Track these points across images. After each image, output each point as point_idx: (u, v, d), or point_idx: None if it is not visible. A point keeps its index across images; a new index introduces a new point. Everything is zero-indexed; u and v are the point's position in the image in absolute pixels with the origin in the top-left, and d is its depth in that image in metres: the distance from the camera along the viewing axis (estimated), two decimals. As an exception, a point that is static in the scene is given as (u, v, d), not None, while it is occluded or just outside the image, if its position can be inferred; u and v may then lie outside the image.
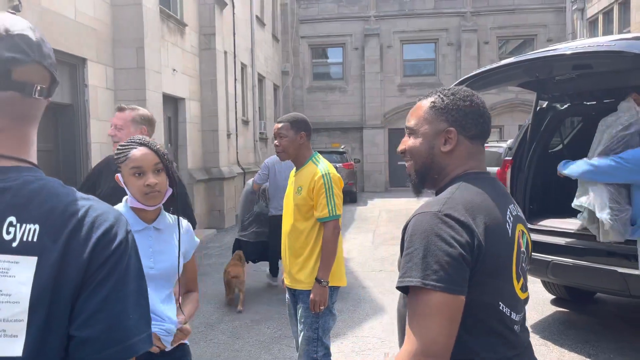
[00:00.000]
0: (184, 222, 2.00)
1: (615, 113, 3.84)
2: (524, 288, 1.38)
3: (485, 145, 1.49)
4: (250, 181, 6.41)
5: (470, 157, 1.40)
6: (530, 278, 2.48)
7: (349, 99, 21.04)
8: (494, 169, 5.72)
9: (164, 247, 1.91)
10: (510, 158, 4.97)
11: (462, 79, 4.57)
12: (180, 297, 2.08)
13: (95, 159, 6.56)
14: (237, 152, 13.18)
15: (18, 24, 0.90)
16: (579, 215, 4.04)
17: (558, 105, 5.08)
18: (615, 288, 4.09)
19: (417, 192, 1.51)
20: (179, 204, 1.97)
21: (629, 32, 13.09)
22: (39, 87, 0.92)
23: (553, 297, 5.47)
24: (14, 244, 0.83)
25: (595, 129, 4.72)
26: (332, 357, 3.00)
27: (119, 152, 1.87)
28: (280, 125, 3.02)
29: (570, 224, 4.34)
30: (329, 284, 2.90)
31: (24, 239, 0.83)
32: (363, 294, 6.04)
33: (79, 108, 6.79)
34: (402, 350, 1.21)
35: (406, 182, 1.55)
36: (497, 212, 1.31)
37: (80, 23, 6.66)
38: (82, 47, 6.67)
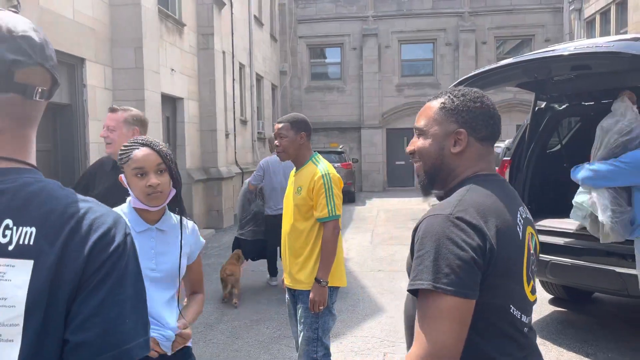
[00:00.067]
0: (190, 223, 1.99)
1: (612, 115, 3.80)
2: (533, 290, 1.38)
3: None
4: (247, 181, 6.50)
5: (479, 159, 1.39)
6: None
7: (347, 99, 21.05)
8: (492, 169, 5.73)
9: (167, 249, 1.89)
10: (509, 158, 4.99)
11: (461, 79, 4.58)
12: (185, 299, 2.07)
13: (94, 159, 6.56)
14: (235, 152, 13.18)
15: (21, 25, 0.89)
16: (572, 213, 4.02)
17: (556, 106, 5.10)
18: (614, 288, 4.10)
19: (426, 193, 1.50)
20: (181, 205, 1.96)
21: (626, 32, 13.13)
22: (40, 90, 0.91)
23: (551, 296, 5.49)
24: (10, 247, 0.82)
25: (594, 129, 4.73)
26: (331, 357, 3.01)
27: (122, 152, 1.86)
28: (280, 125, 3.02)
29: (569, 224, 4.36)
30: (329, 284, 2.91)
31: (20, 242, 0.82)
32: (362, 293, 6.05)
33: (78, 108, 6.78)
34: (411, 353, 1.20)
35: (416, 183, 1.54)
36: (508, 214, 1.31)
37: (79, 23, 6.65)
38: (81, 47, 6.66)
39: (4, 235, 0.83)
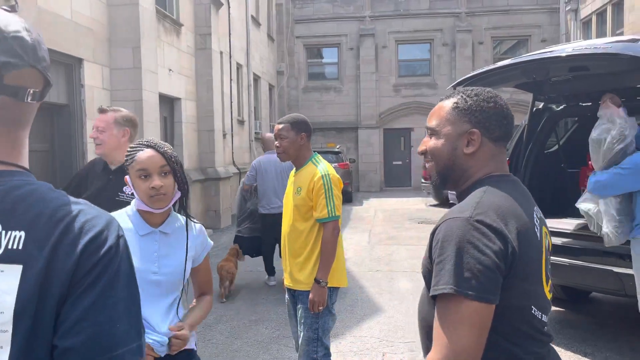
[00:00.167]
0: (197, 225, 1.97)
1: (599, 125, 3.74)
2: (551, 289, 1.38)
3: None
4: (242, 180, 6.67)
5: (492, 159, 1.38)
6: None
7: (344, 99, 21.06)
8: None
9: (171, 252, 1.88)
10: (507, 158, 5.01)
11: (460, 80, 4.60)
12: (194, 300, 2.06)
13: (92, 159, 6.55)
14: (232, 152, 13.18)
15: (13, 25, 0.86)
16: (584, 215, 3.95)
17: (554, 107, 5.12)
18: (611, 287, 4.13)
19: (438, 193, 1.50)
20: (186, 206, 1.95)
21: (622, 33, 13.19)
22: (31, 91, 0.88)
23: (549, 296, 5.51)
24: None
25: (591, 129, 4.74)
26: (331, 357, 3.01)
27: (127, 154, 1.85)
28: (280, 126, 3.02)
29: (567, 224, 4.38)
30: (329, 285, 2.92)
31: (9, 246, 0.80)
32: (360, 294, 6.06)
33: (75, 108, 6.77)
34: (430, 358, 1.20)
35: (430, 183, 1.54)
36: (526, 215, 1.30)
37: (77, 23, 6.64)
38: (79, 47, 6.65)
39: None
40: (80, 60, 6.76)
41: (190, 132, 10.65)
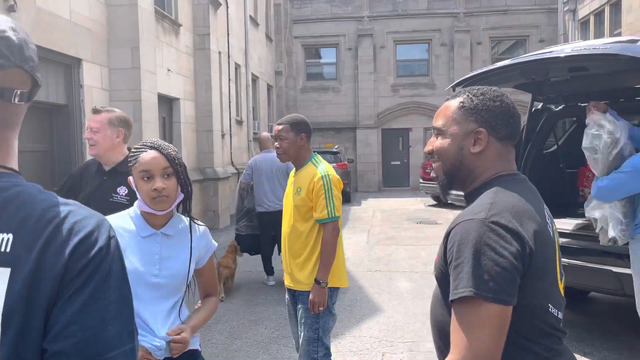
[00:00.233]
0: (201, 227, 1.96)
1: (589, 132, 3.72)
2: (563, 286, 1.38)
3: None
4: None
5: (500, 159, 1.37)
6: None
7: (343, 99, 21.07)
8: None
9: (173, 254, 1.86)
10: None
11: (459, 80, 4.61)
12: (199, 302, 2.05)
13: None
14: (231, 153, 13.18)
15: None
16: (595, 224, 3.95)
17: (553, 107, 5.14)
18: (610, 287, 4.14)
19: (446, 193, 1.49)
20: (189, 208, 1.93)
21: (620, 33, 13.22)
22: (19, 92, 0.87)
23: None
24: None
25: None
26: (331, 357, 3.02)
27: (131, 155, 1.84)
28: (280, 127, 3.02)
29: (566, 224, 4.39)
30: (329, 285, 2.92)
31: None
32: (359, 294, 6.07)
33: (74, 108, 6.77)
34: None
35: (437, 184, 1.53)
36: (539, 214, 1.30)
37: (76, 23, 6.63)
38: (78, 47, 6.65)
39: None
40: (79, 61, 6.76)
41: (189, 132, 10.65)
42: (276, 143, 3.05)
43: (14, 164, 0.91)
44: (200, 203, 10.89)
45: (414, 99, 20.54)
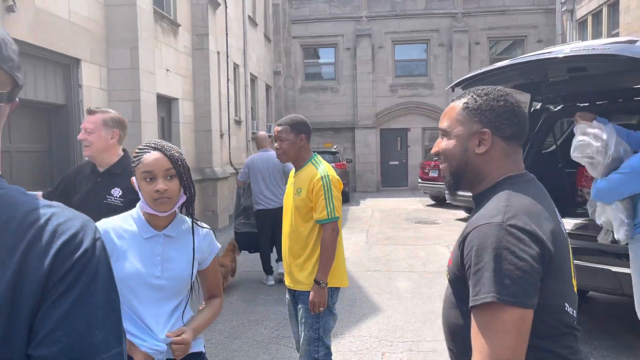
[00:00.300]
0: (204, 228, 1.95)
1: (576, 142, 3.77)
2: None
3: None
4: None
5: (506, 159, 1.37)
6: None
7: (341, 99, 21.08)
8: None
9: (175, 255, 1.85)
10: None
11: (458, 80, 4.62)
12: (203, 303, 2.04)
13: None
14: (230, 153, 13.17)
15: None
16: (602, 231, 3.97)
17: (551, 107, 5.15)
18: (609, 287, 4.16)
19: (453, 194, 1.49)
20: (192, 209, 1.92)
21: (618, 33, 13.26)
22: None
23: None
24: None
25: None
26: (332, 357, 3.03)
27: (134, 155, 1.83)
28: (280, 128, 3.02)
29: (565, 224, 4.40)
30: (330, 285, 2.93)
31: None
32: (359, 293, 6.07)
33: (73, 108, 6.76)
34: None
35: (444, 185, 1.52)
36: (552, 214, 1.30)
37: (74, 23, 6.63)
38: (76, 47, 6.64)
39: None
40: (77, 61, 6.75)
41: (188, 132, 10.65)
42: (276, 144, 3.05)
43: None
44: (199, 203, 10.89)
45: (412, 99, 20.56)
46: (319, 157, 3.10)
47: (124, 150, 2.87)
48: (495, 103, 1.36)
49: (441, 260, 7.72)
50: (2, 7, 5.19)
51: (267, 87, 18.63)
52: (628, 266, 3.73)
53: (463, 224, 11.55)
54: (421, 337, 4.65)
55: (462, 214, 12.74)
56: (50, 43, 6.08)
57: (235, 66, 14.19)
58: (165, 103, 9.80)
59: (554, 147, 5.42)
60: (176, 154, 1.82)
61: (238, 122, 14.38)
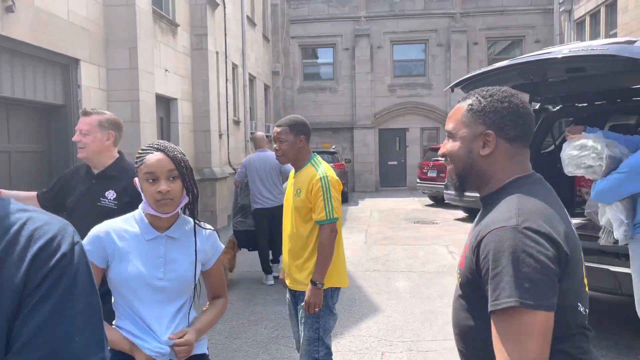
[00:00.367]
0: (207, 228, 1.94)
1: (575, 158, 3.82)
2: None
3: None
4: None
5: (512, 160, 1.37)
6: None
7: (340, 99, 21.09)
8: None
9: (178, 257, 1.84)
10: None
11: (458, 80, 4.63)
12: (207, 303, 2.03)
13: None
14: (228, 153, 13.17)
15: None
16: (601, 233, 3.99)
17: (550, 107, 5.17)
18: (607, 286, 4.17)
19: (460, 195, 1.49)
20: (195, 210, 1.91)
21: (615, 33, 13.29)
22: None
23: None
24: None
25: (586, 130, 4.73)
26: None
27: (137, 156, 1.82)
28: (279, 129, 3.01)
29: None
30: (331, 285, 2.93)
31: None
32: (358, 293, 6.08)
33: (72, 109, 6.75)
34: None
35: (449, 185, 1.54)
36: (564, 215, 1.30)
37: (73, 23, 6.62)
38: (75, 47, 6.64)
39: None
40: (76, 61, 6.74)
41: (187, 132, 10.64)
42: (275, 145, 3.05)
43: None
44: (198, 203, 10.88)
45: (410, 99, 20.58)
46: (319, 158, 3.09)
47: (119, 152, 2.84)
48: (499, 104, 1.36)
49: (440, 260, 7.74)
50: (1, 8, 5.18)
51: (266, 87, 18.63)
52: (627, 266, 3.75)
53: (462, 224, 11.56)
54: (420, 336, 4.66)
55: (461, 214, 12.76)
56: (50, 43, 6.08)
57: (234, 66, 14.19)
58: (164, 103, 9.80)
59: (552, 147, 5.43)
60: (179, 155, 1.81)
61: (236, 122, 14.38)
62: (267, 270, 6.63)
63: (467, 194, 1.45)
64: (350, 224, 11.65)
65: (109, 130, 2.75)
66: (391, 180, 20.88)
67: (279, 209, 6.50)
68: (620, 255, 3.90)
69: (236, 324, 5.10)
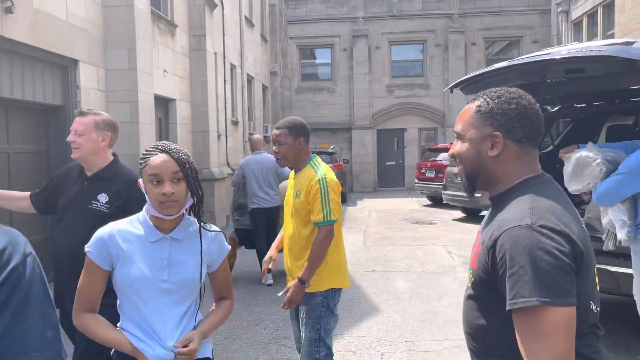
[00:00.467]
0: (213, 229, 1.92)
1: (570, 178, 3.90)
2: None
3: None
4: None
5: (520, 161, 1.38)
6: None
7: (338, 99, 21.10)
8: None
9: (182, 258, 1.82)
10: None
11: (458, 81, 4.64)
12: (213, 305, 2.02)
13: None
14: (227, 153, 13.16)
15: None
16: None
17: (549, 108, 5.18)
18: (606, 286, 4.18)
19: (470, 195, 1.50)
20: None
21: (613, 34, 13.32)
22: None
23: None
24: None
25: (585, 130, 4.78)
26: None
27: (142, 157, 1.80)
28: (278, 132, 3.00)
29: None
30: (332, 286, 2.94)
31: None
32: (357, 294, 6.09)
33: (71, 109, 6.73)
34: None
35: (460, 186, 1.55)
36: (576, 215, 1.31)
37: (72, 24, 6.62)
38: (74, 48, 6.63)
39: None
40: (75, 62, 6.74)
41: (185, 133, 10.64)
42: (275, 148, 3.04)
43: None
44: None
45: (408, 99, 20.61)
46: (318, 159, 3.09)
47: (114, 154, 2.80)
48: (506, 106, 1.37)
49: (439, 261, 7.75)
50: (0, 9, 5.18)
51: (264, 88, 18.63)
52: (626, 266, 3.76)
53: (460, 224, 11.55)
54: (420, 336, 4.67)
55: (459, 214, 12.78)
56: (48, 44, 6.07)
57: (232, 67, 14.18)
58: (163, 104, 9.79)
59: (551, 147, 5.45)
60: (184, 156, 1.79)
61: (235, 123, 14.38)
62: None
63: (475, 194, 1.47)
64: (348, 224, 11.66)
65: (104, 131, 2.70)
66: (389, 180, 20.89)
67: (276, 209, 6.63)
68: (619, 255, 3.92)
69: (236, 324, 5.10)
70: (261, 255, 6.66)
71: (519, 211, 1.27)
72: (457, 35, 20.13)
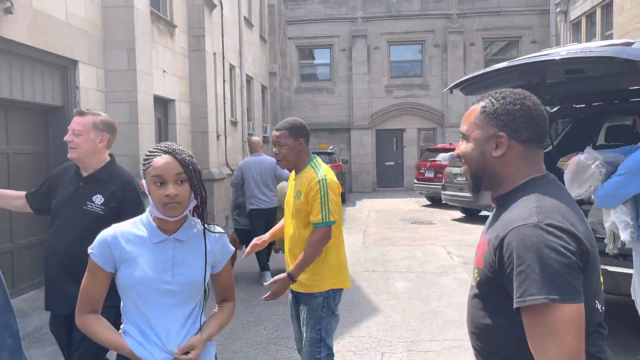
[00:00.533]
0: (217, 231, 1.91)
1: (572, 180, 3.93)
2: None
3: None
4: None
5: (524, 161, 1.39)
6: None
7: (337, 100, 21.11)
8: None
9: (186, 260, 1.81)
10: None
11: (457, 82, 4.65)
12: (216, 306, 2.01)
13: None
14: (226, 154, 13.16)
15: None
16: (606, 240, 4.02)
17: (548, 108, 5.19)
18: (606, 286, 4.17)
19: (475, 194, 1.51)
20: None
21: (611, 34, 13.35)
22: None
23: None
24: None
25: (585, 131, 4.79)
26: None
27: (145, 158, 1.79)
28: (278, 133, 3.00)
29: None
30: (333, 286, 2.95)
31: None
32: (357, 294, 6.09)
33: (70, 110, 6.73)
34: None
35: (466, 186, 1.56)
36: (581, 215, 1.32)
37: (72, 25, 6.62)
38: (73, 49, 6.63)
39: None
40: (75, 62, 6.74)
41: (184, 133, 10.64)
42: (275, 149, 3.04)
43: None
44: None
45: (407, 99, 20.62)
46: (319, 160, 3.09)
47: (110, 155, 2.79)
48: (511, 107, 1.38)
49: (438, 261, 7.76)
50: (0, 9, 5.18)
51: (263, 88, 18.63)
52: (625, 266, 3.77)
53: (459, 224, 11.55)
54: (420, 337, 4.68)
55: (458, 214, 12.79)
56: (48, 44, 6.07)
57: (231, 67, 14.19)
58: (162, 104, 9.79)
59: (550, 147, 5.46)
60: (187, 157, 1.78)
61: (234, 123, 14.38)
62: (263, 267, 6.80)
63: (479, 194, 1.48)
64: (348, 224, 11.67)
65: (102, 132, 2.69)
66: (388, 180, 20.91)
67: (274, 210, 6.65)
68: (619, 255, 3.93)
69: (235, 324, 5.10)
70: (259, 255, 6.70)
71: (525, 210, 1.28)
72: (456, 36, 20.15)
